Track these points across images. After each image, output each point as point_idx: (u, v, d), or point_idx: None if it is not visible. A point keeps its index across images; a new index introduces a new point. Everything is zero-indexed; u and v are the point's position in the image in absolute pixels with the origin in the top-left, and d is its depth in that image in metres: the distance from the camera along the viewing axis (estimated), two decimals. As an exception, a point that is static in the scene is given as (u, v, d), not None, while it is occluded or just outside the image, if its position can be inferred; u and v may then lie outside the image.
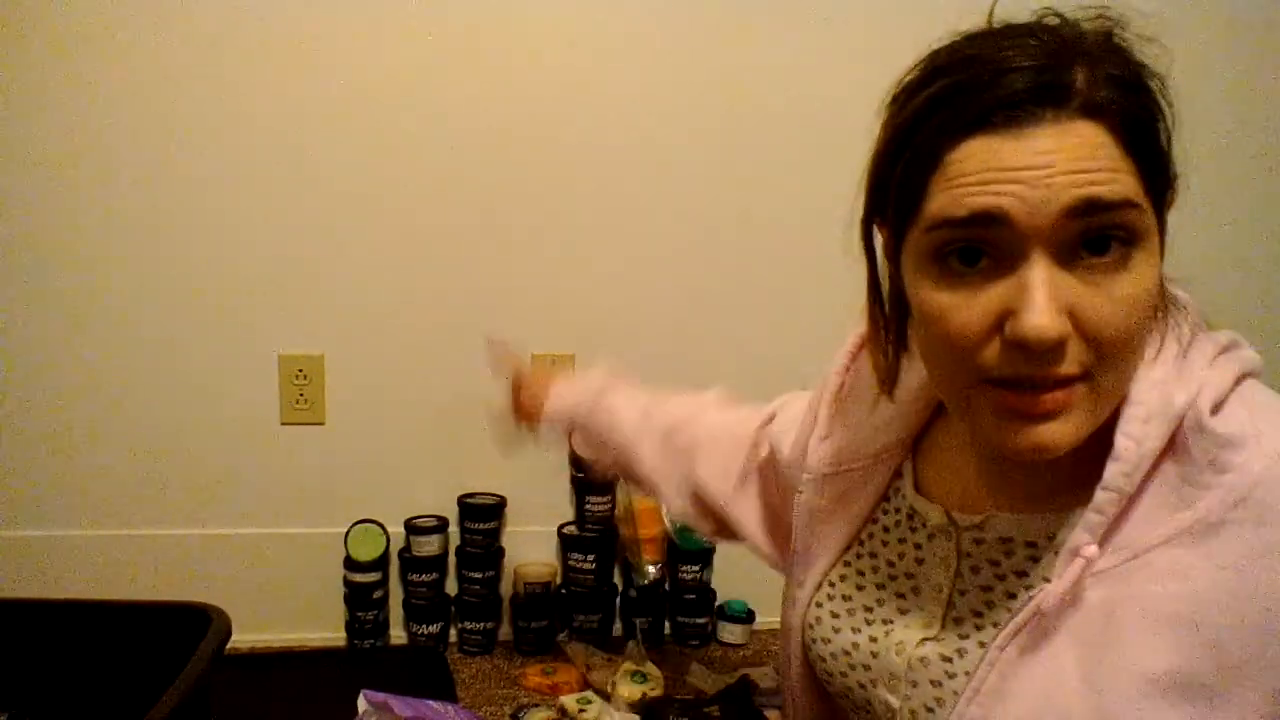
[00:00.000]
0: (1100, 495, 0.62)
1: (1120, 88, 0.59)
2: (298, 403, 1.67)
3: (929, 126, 0.61)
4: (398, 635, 1.71)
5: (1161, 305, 0.65)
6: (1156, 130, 0.61)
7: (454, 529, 1.71)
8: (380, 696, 1.30)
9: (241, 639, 1.12)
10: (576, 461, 1.72)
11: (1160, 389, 0.62)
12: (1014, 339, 0.58)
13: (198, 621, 1.01)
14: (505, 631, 1.72)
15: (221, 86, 1.59)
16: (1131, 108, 0.59)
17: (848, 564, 0.81)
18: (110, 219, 1.60)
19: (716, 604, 1.76)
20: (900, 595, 0.76)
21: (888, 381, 0.74)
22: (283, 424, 1.68)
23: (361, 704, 1.30)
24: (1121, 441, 0.62)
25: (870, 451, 0.81)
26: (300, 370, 1.66)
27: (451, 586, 1.72)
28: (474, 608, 1.69)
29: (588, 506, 1.72)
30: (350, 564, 1.66)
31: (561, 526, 1.75)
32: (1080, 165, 0.57)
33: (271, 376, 1.67)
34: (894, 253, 0.67)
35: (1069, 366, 0.58)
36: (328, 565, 1.68)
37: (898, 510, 0.80)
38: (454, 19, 1.63)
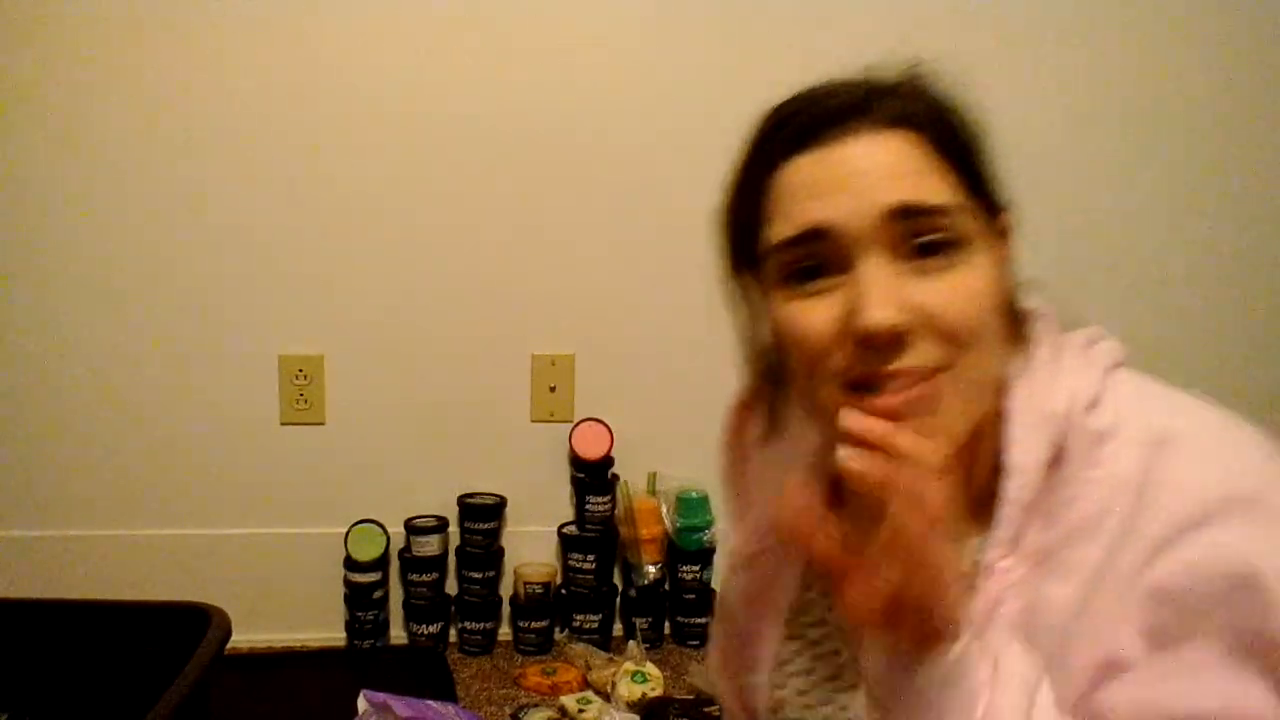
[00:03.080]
0: (1003, 511, 0.63)
1: (930, 105, 0.64)
2: (298, 403, 1.67)
3: (757, 160, 0.65)
4: (398, 635, 1.71)
5: (1021, 316, 0.67)
6: (971, 147, 0.64)
7: (454, 529, 1.71)
8: (380, 696, 1.30)
9: (241, 639, 1.12)
10: (576, 461, 1.72)
11: (1038, 399, 0.64)
12: (856, 335, 0.59)
13: (198, 621, 1.01)
14: (505, 632, 1.72)
15: (222, 88, 1.59)
16: (942, 122, 0.63)
17: (797, 638, 0.78)
18: (110, 219, 1.60)
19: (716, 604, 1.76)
20: (844, 669, 0.74)
21: (772, 429, 0.75)
22: (283, 424, 1.68)
23: (361, 704, 1.30)
24: (1013, 456, 0.63)
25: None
26: (300, 370, 1.66)
27: (451, 587, 1.72)
28: (474, 608, 1.69)
29: (588, 507, 1.72)
30: (350, 564, 1.66)
31: (561, 526, 1.75)
32: (895, 171, 0.60)
33: (271, 376, 1.67)
34: (753, 293, 0.69)
35: (920, 358, 0.60)
36: (328, 565, 1.68)
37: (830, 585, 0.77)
38: (455, 22, 1.63)
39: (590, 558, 1.70)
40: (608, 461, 1.72)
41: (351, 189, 1.64)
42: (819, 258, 0.61)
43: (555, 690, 1.52)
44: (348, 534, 1.66)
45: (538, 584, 1.69)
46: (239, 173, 1.61)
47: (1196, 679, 0.57)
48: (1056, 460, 0.63)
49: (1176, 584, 0.57)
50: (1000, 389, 0.64)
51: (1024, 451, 0.63)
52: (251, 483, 1.68)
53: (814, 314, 0.61)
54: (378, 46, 1.62)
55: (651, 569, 1.71)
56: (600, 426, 1.71)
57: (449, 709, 1.34)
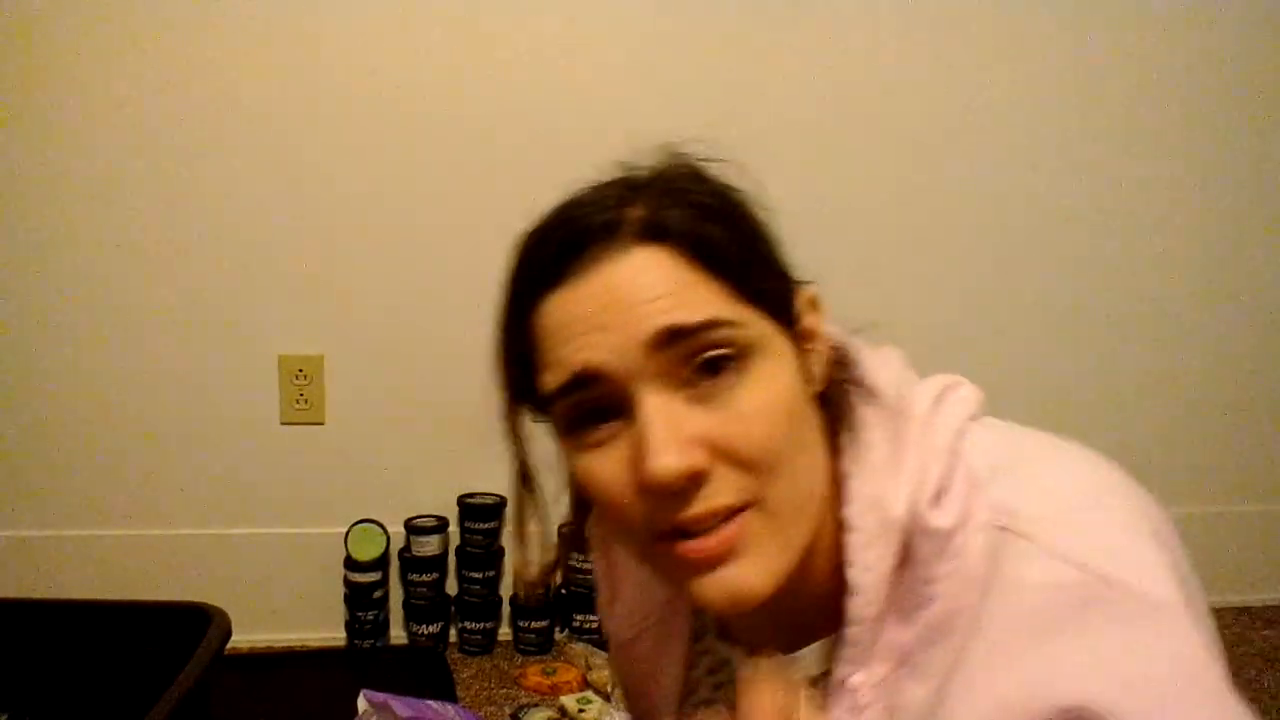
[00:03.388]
0: (850, 631, 0.58)
1: (684, 209, 0.57)
2: (298, 403, 1.67)
3: (516, 299, 0.60)
4: (398, 635, 1.71)
5: (843, 403, 0.61)
6: (741, 243, 0.58)
7: (454, 529, 1.71)
8: (380, 696, 1.30)
9: (241, 639, 1.12)
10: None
11: (875, 505, 0.58)
12: (646, 488, 0.54)
13: (198, 621, 1.01)
14: (505, 632, 1.72)
15: (223, 88, 1.59)
16: (698, 225, 0.57)
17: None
18: (110, 220, 1.60)
19: (716, 604, 1.76)
20: None
21: (549, 568, 0.74)
22: (283, 424, 1.68)
23: (361, 704, 1.30)
24: (853, 575, 0.57)
25: (658, 601, 0.76)
26: (300, 370, 1.66)
27: (452, 586, 1.72)
28: (474, 608, 1.69)
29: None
30: (350, 564, 1.66)
31: (561, 526, 1.75)
32: (649, 294, 0.55)
33: (271, 376, 1.67)
34: (530, 421, 0.64)
35: (723, 497, 0.54)
36: (328, 565, 1.68)
37: (714, 664, 0.74)
38: (455, 22, 1.63)
39: (590, 557, 1.70)
40: (608, 461, 1.71)
41: (351, 189, 1.64)
42: (597, 401, 0.56)
43: (555, 690, 1.52)
44: (348, 534, 1.66)
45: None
46: (239, 173, 1.61)
47: None
48: (904, 561, 0.58)
49: (1012, 703, 0.51)
50: (825, 495, 0.59)
51: (865, 569, 0.57)
52: (251, 483, 1.68)
53: (605, 468, 0.56)
54: (378, 47, 1.62)
55: (651, 569, 1.71)
56: (600, 426, 1.71)
57: (449, 709, 1.34)
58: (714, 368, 0.55)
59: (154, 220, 1.61)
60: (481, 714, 1.46)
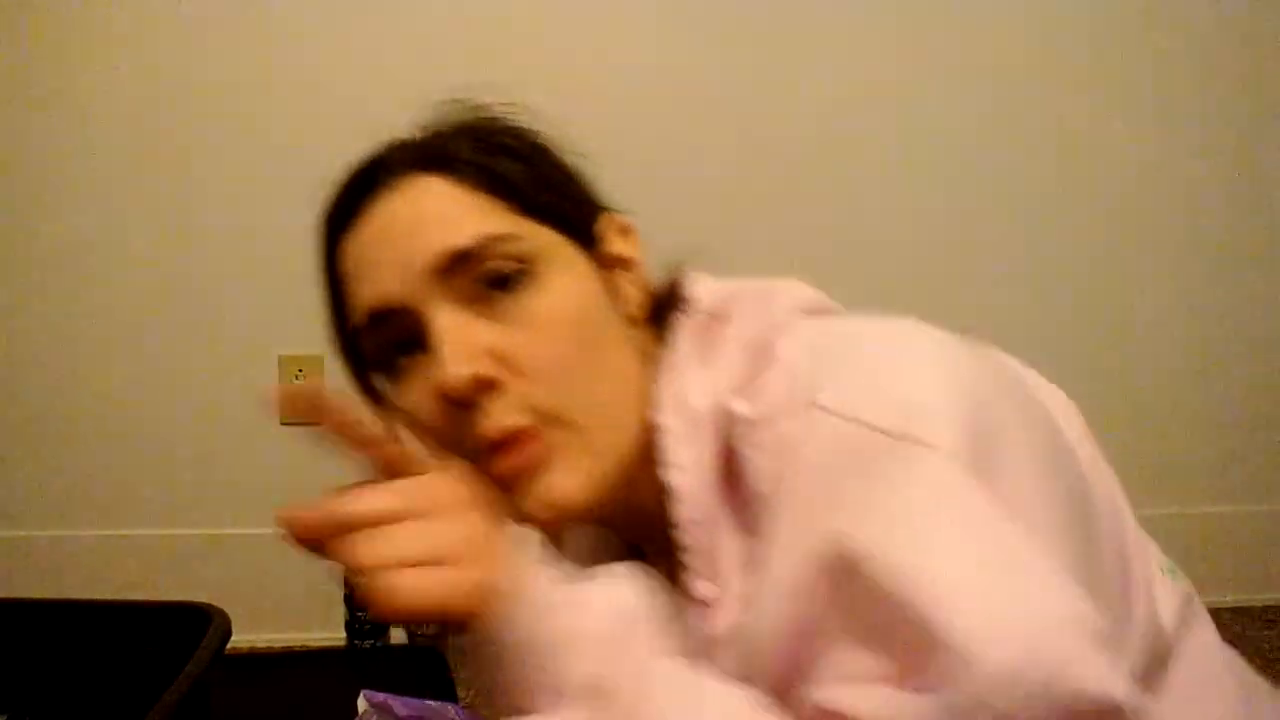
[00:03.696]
0: (682, 537, 0.56)
1: (464, 139, 0.61)
2: (298, 403, 1.67)
3: (321, 251, 0.63)
4: (398, 635, 1.71)
5: (659, 312, 0.62)
6: (522, 165, 0.61)
7: (454, 529, 1.71)
8: (380, 696, 1.30)
9: (241, 639, 1.12)
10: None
11: (679, 402, 0.58)
12: (442, 401, 0.55)
13: (198, 621, 1.01)
14: (505, 631, 1.72)
15: (222, 86, 1.59)
16: (478, 152, 0.60)
17: None
18: (110, 219, 1.60)
19: (716, 604, 1.76)
20: None
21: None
22: (283, 424, 1.68)
23: (361, 704, 1.30)
24: (671, 477, 0.57)
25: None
26: (300, 370, 1.66)
27: (451, 586, 1.72)
28: (474, 608, 1.68)
29: (588, 506, 1.71)
30: (350, 564, 1.66)
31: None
32: (427, 221, 0.57)
33: (271, 376, 1.67)
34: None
35: (516, 413, 0.55)
36: (328, 565, 1.68)
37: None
38: (455, 19, 1.63)
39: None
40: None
41: (351, 189, 1.64)
42: (399, 335, 0.58)
43: (555, 690, 1.52)
44: (348, 534, 1.66)
45: (538, 584, 1.69)
46: (239, 172, 1.61)
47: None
48: (726, 459, 0.56)
49: (802, 580, 0.50)
50: (637, 407, 0.59)
51: (680, 469, 0.56)
52: (251, 483, 1.68)
53: (413, 397, 0.58)
54: (378, 45, 1.62)
55: (651, 569, 1.71)
56: (600, 426, 1.71)
57: (449, 709, 1.34)
58: (502, 283, 0.56)
59: (154, 220, 1.61)
60: (481, 714, 1.46)
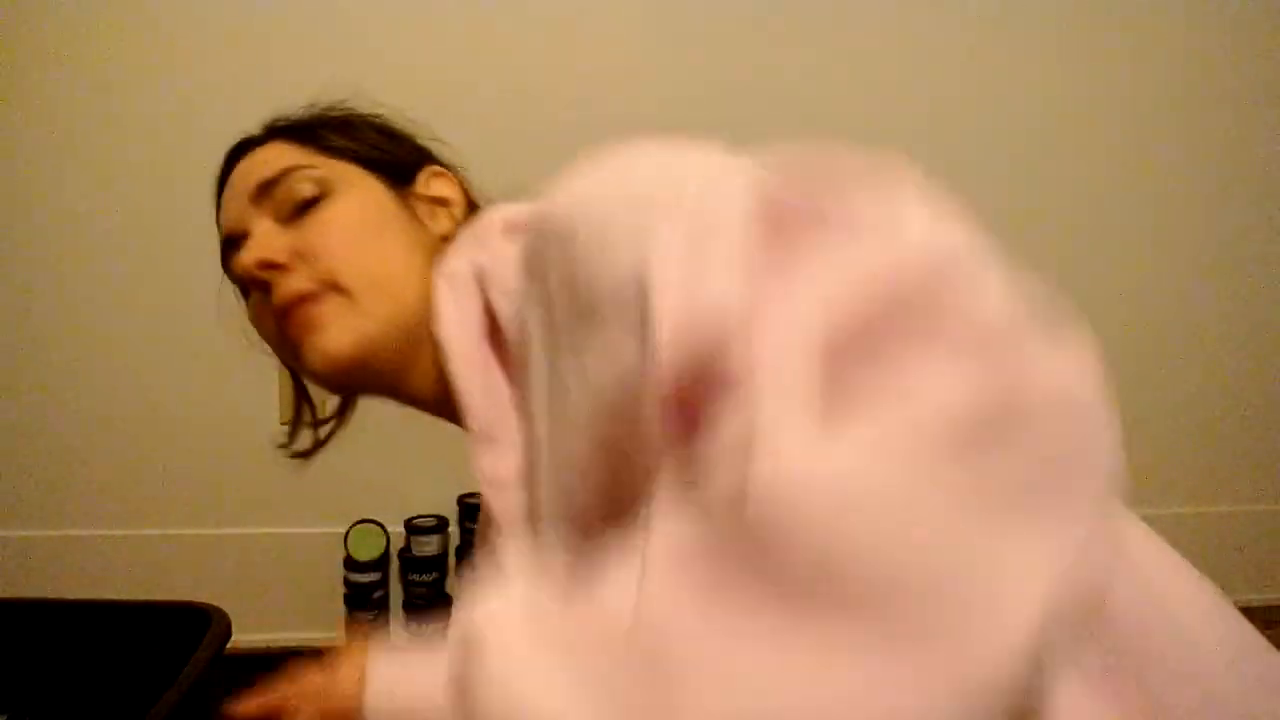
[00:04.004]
0: (457, 389, 0.65)
1: (302, 114, 0.82)
2: (298, 403, 1.67)
3: (215, 208, 0.82)
4: (398, 635, 1.71)
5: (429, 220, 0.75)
6: (334, 126, 0.81)
7: (454, 529, 1.71)
8: (380, 696, 1.30)
9: (241, 639, 1.12)
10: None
11: (451, 271, 0.68)
12: (247, 284, 0.74)
13: (198, 621, 1.01)
14: (505, 631, 1.72)
15: (221, 83, 1.59)
16: (304, 120, 0.81)
17: None
18: (110, 219, 1.60)
19: (716, 604, 1.76)
20: None
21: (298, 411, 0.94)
22: (283, 424, 1.68)
23: (361, 704, 1.30)
24: (441, 331, 0.66)
25: None
26: (300, 370, 1.66)
27: (452, 586, 1.72)
28: (474, 608, 1.68)
29: (588, 506, 1.71)
30: (350, 564, 1.66)
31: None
32: (256, 166, 0.74)
33: (271, 376, 1.67)
34: None
35: (300, 282, 0.68)
36: (328, 565, 1.68)
37: None
38: (456, 18, 1.63)
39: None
40: (608, 461, 1.72)
41: (351, 189, 1.64)
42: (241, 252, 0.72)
43: (555, 690, 1.52)
44: (348, 534, 1.66)
45: (538, 584, 1.69)
46: (239, 173, 1.62)
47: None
48: (489, 315, 0.64)
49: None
50: (407, 289, 0.69)
51: (449, 324, 0.66)
52: (251, 483, 1.68)
53: (251, 301, 0.75)
54: (379, 43, 1.62)
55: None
56: (600, 426, 1.71)
57: (449, 709, 1.34)
58: (305, 206, 0.71)
59: (154, 220, 1.61)
60: None
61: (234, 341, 1.59)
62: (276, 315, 0.70)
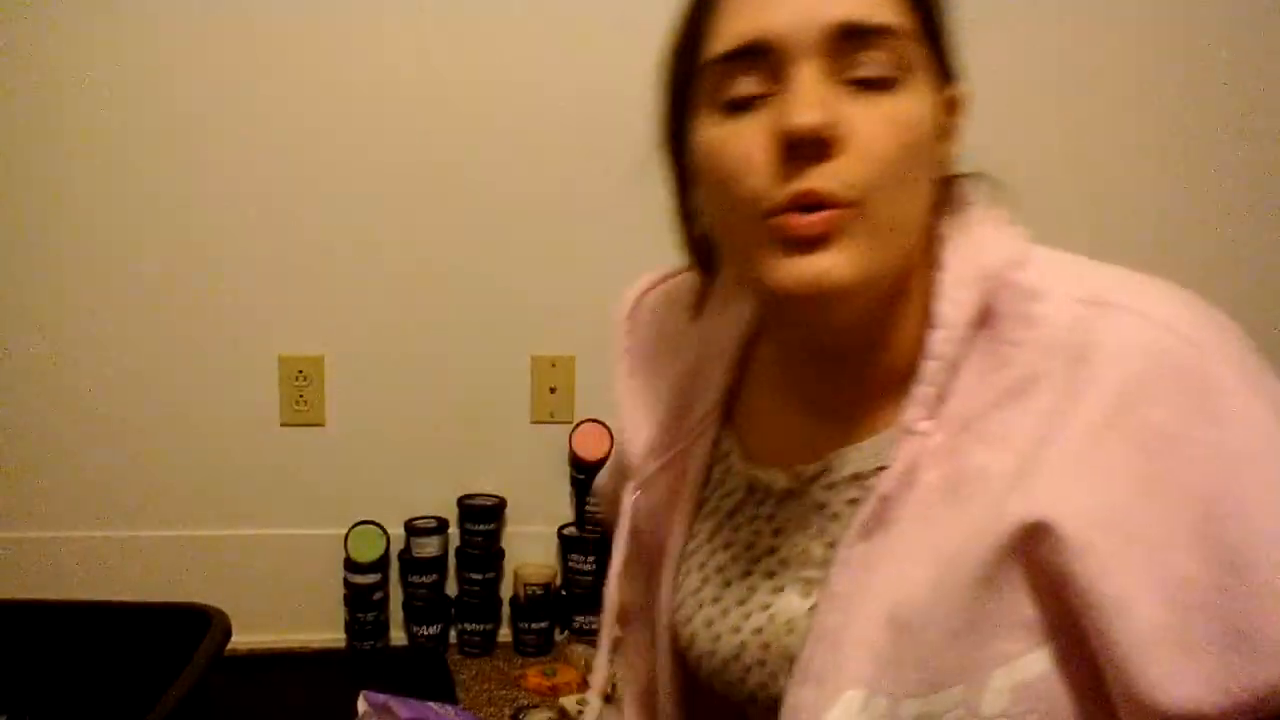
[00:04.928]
0: (926, 366, 0.61)
1: None
2: (298, 404, 1.67)
3: None
4: (398, 636, 1.71)
5: (952, 179, 0.66)
6: None
7: (454, 530, 1.71)
8: (380, 697, 1.30)
9: (241, 639, 1.12)
10: (577, 463, 1.72)
11: (971, 255, 0.62)
12: (782, 137, 0.57)
13: (198, 622, 1.01)
14: (505, 633, 1.72)
15: (221, 86, 1.59)
16: None
17: (702, 564, 0.75)
18: (109, 220, 1.60)
19: (716, 605, 1.76)
20: (771, 574, 0.69)
21: (696, 313, 0.76)
22: (282, 425, 1.68)
23: (361, 705, 1.30)
24: (940, 308, 0.61)
25: (686, 426, 0.77)
26: (300, 371, 1.66)
27: (451, 588, 1.72)
28: (474, 609, 1.69)
29: (588, 507, 1.71)
30: (350, 565, 1.66)
31: (561, 528, 1.75)
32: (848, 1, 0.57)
33: (271, 377, 1.67)
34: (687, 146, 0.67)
35: (837, 182, 0.57)
36: (328, 566, 1.68)
37: (733, 491, 0.74)
38: (454, 21, 1.63)
39: (590, 559, 1.70)
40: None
41: (352, 189, 1.64)
42: (749, 71, 0.59)
43: (555, 691, 1.52)
44: (347, 535, 1.66)
45: (538, 585, 1.69)
46: (238, 173, 1.61)
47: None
48: (985, 321, 0.61)
49: (1115, 462, 0.54)
50: (918, 244, 0.62)
51: (953, 305, 0.61)
52: (251, 483, 1.67)
53: (741, 134, 0.59)
54: (378, 46, 1.62)
55: (651, 570, 1.71)
56: (600, 427, 1.71)
57: (449, 710, 1.34)
58: (867, 84, 0.58)
59: (153, 220, 1.61)
60: (481, 715, 1.46)
61: (234, 341, 1.58)
62: (783, 199, 0.57)
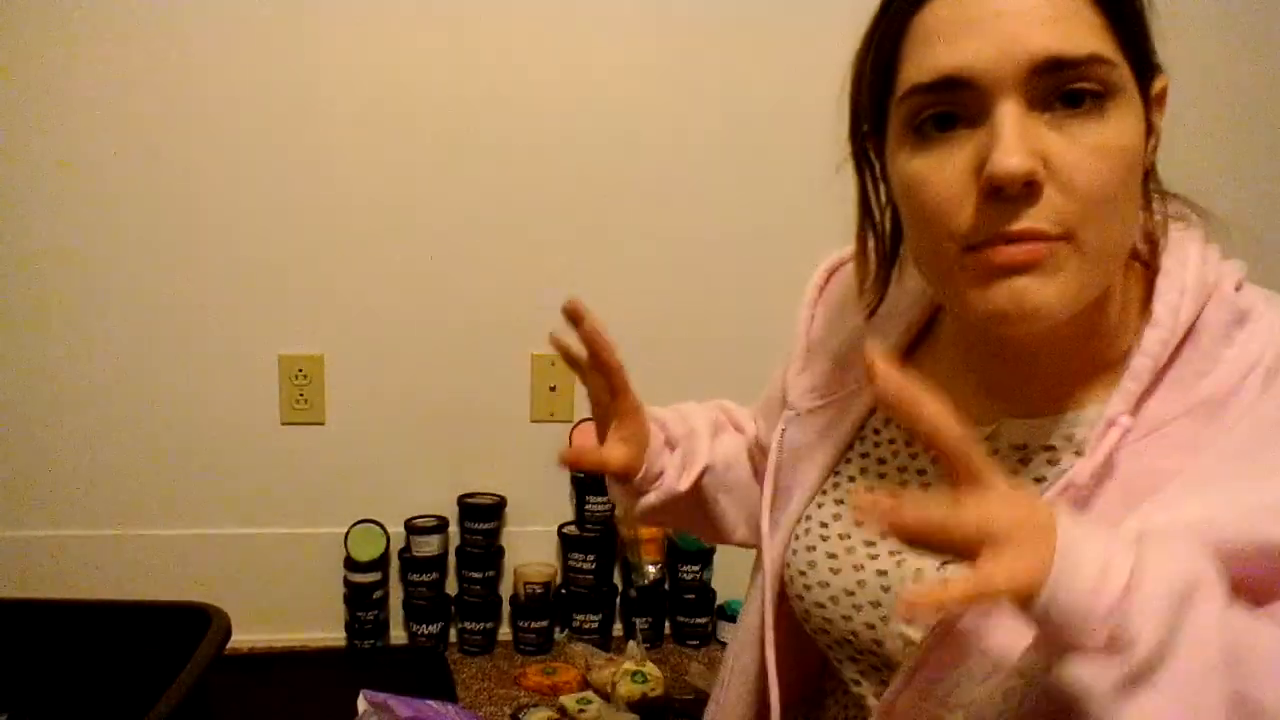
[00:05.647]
0: (1138, 362, 0.61)
1: None
2: (298, 403, 1.67)
3: (896, 1, 0.62)
4: (398, 635, 1.71)
5: (1159, 193, 0.65)
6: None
7: (454, 529, 1.71)
8: (380, 696, 1.30)
9: (241, 639, 1.12)
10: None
11: (1193, 265, 0.63)
12: (987, 182, 0.56)
13: (198, 621, 1.01)
14: (505, 632, 1.72)
15: (221, 86, 1.59)
16: None
17: (839, 502, 0.76)
18: (109, 219, 1.60)
19: (716, 604, 1.76)
20: None
21: (874, 291, 0.75)
22: (283, 424, 1.68)
23: (361, 704, 1.30)
24: (1160, 309, 0.62)
25: (850, 380, 0.79)
26: (300, 370, 1.66)
27: (451, 586, 1.72)
28: (474, 608, 1.69)
29: (588, 506, 1.72)
30: (350, 564, 1.66)
31: (561, 526, 1.75)
32: (1044, 15, 0.56)
33: (271, 376, 1.67)
34: (880, 151, 0.67)
35: (1046, 221, 0.56)
36: (328, 565, 1.68)
37: (891, 441, 0.76)
38: (455, 22, 1.63)
39: (590, 558, 1.70)
40: (608, 461, 1.72)
41: (351, 189, 1.64)
42: (953, 106, 0.58)
43: (555, 690, 1.52)
44: (348, 534, 1.66)
45: (538, 584, 1.69)
46: (238, 173, 1.61)
47: None
48: (1192, 331, 0.62)
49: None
50: (1125, 257, 0.63)
51: (1170, 308, 0.61)
52: (251, 483, 1.68)
53: (942, 167, 0.59)
54: (377, 48, 1.62)
55: (651, 569, 1.71)
56: (600, 426, 1.71)
57: (449, 709, 1.34)
58: (1076, 100, 0.57)
59: (153, 221, 1.61)
60: (481, 714, 1.46)
61: (234, 341, 1.58)
62: (986, 235, 0.57)
